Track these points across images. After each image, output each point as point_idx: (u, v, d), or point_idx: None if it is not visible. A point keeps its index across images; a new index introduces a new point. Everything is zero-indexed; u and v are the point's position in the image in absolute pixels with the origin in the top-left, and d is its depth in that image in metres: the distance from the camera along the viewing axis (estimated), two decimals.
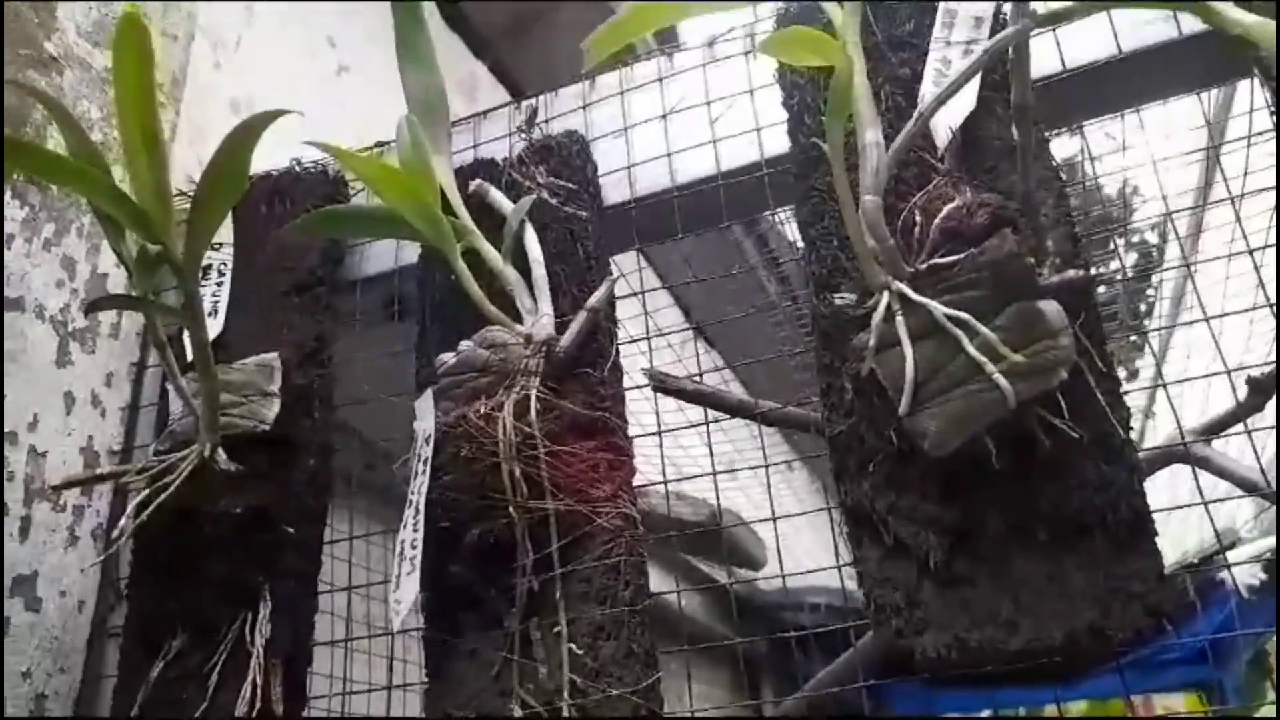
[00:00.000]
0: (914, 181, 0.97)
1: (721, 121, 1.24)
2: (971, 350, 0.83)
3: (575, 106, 1.33)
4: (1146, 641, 0.84)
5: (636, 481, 1.05)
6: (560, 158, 1.20)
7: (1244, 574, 4.82)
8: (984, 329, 0.82)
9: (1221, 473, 1.19)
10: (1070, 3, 0.86)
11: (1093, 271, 0.92)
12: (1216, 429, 1.24)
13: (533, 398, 0.98)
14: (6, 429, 1.22)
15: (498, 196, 1.17)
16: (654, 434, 1.15)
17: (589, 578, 0.95)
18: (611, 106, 1.32)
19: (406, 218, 1.04)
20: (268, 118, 1.04)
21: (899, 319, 0.86)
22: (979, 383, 0.83)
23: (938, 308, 0.84)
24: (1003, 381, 0.82)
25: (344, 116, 2.43)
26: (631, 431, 1.08)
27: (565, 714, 0.90)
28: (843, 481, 0.93)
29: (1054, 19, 0.87)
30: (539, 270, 1.09)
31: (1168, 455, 1.27)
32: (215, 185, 1.03)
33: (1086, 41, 1.06)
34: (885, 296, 0.87)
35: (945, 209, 0.88)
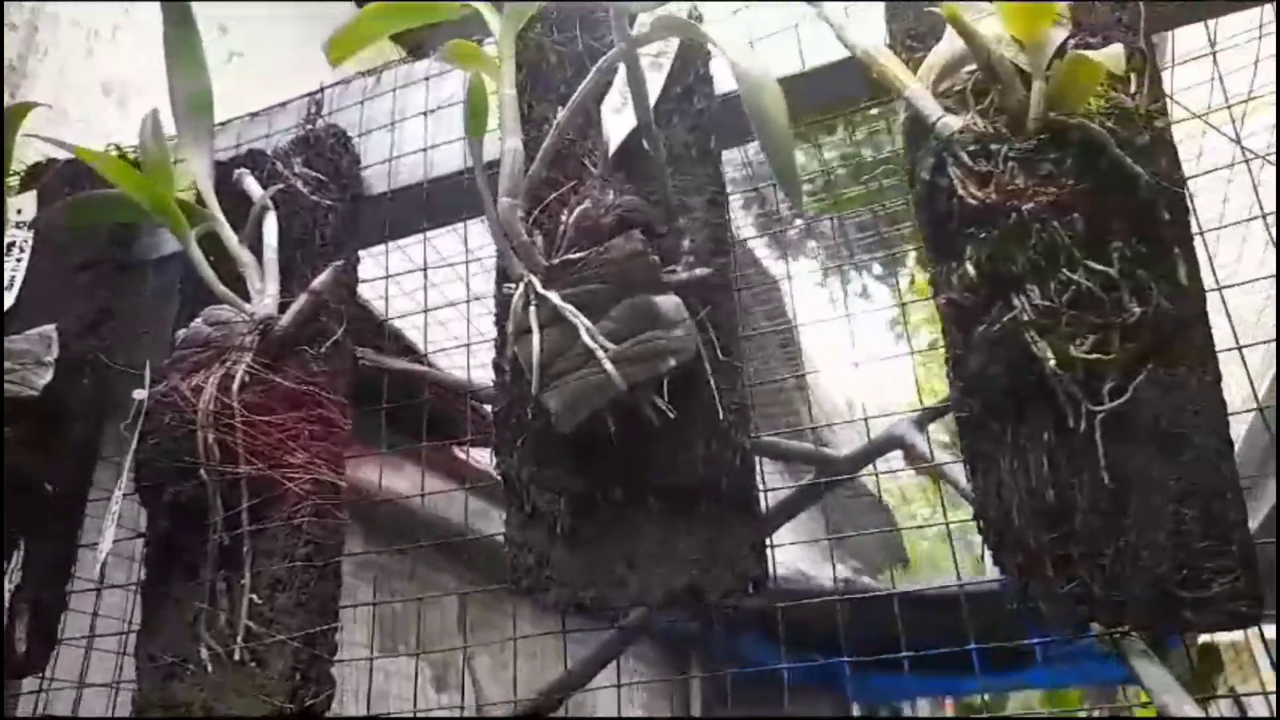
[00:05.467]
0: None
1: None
2: (585, 338, 0.92)
3: (356, 100, 1.42)
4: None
5: None
6: (316, 150, 1.29)
7: None
8: (584, 320, 0.91)
9: (927, 461, 1.29)
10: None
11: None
12: (932, 418, 1.33)
13: (239, 372, 1.08)
14: None
15: (250, 185, 1.26)
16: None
17: (275, 535, 1.05)
18: (390, 101, 1.41)
19: (143, 206, 1.13)
20: (22, 110, 1.13)
21: (532, 308, 0.96)
22: (591, 367, 0.92)
23: (555, 299, 0.93)
24: (609, 366, 0.91)
25: (235, 101, 2.52)
26: None
27: (237, 656, 1.00)
28: (500, 454, 1.03)
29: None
30: (270, 254, 1.18)
31: (886, 442, 1.37)
32: None
33: (775, 56, 1.15)
34: (521, 287, 0.97)
35: (577, 210, 0.97)
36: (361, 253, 1.40)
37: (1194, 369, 0.80)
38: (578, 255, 0.96)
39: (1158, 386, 0.79)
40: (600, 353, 0.92)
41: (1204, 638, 5.56)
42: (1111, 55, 0.74)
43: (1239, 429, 3.44)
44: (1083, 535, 0.81)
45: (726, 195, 1.06)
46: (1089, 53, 0.74)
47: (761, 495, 0.98)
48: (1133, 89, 0.85)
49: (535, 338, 0.95)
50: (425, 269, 1.28)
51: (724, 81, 1.15)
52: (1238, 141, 1.08)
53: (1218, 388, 0.81)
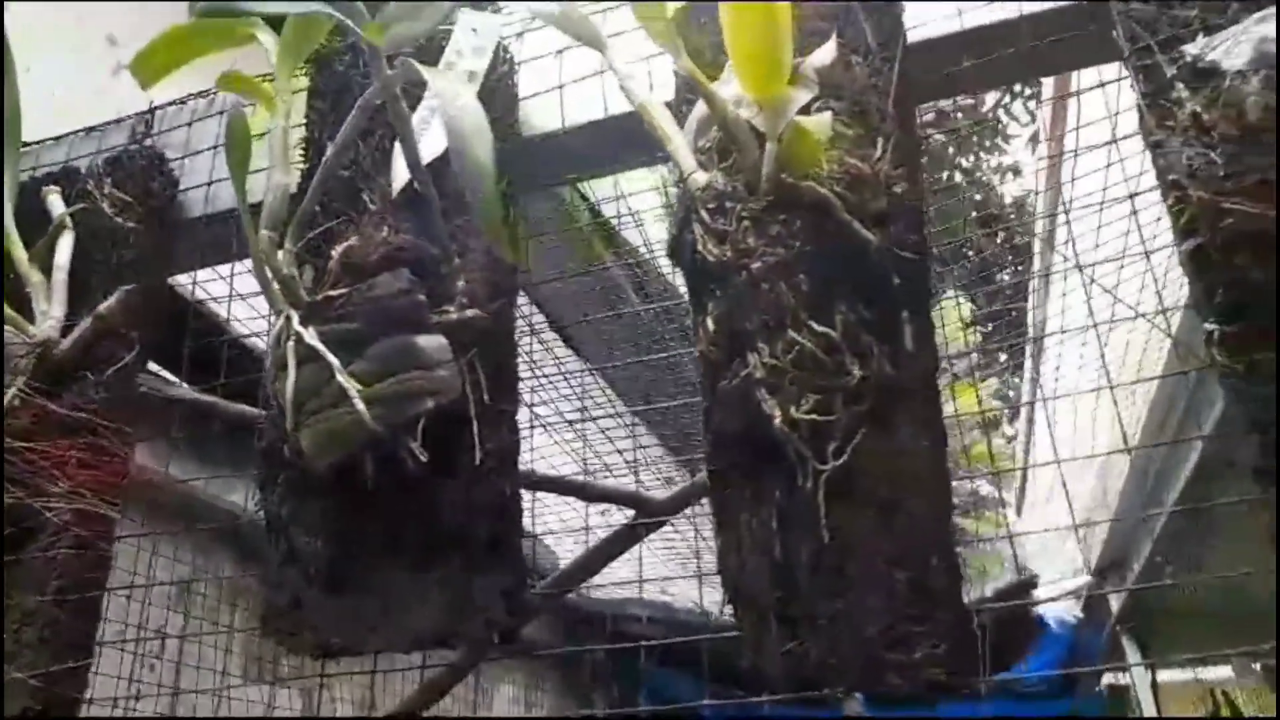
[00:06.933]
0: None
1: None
2: (339, 377, 0.91)
3: (185, 122, 1.40)
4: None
5: None
6: (125, 171, 1.27)
7: (1057, 610, 5.00)
8: (334, 359, 0.90)
9: None
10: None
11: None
12: None
13: (4, 397, 1.04)
14: None
15: (54, 203, 1.23)
16: None
17: (29, 568, 1.02)
18: (217, 124, 1.39)
19: None
20: None
21: (290, 344, 0.94)
22: (345, 406, 0.91)
23: (309, 336, 0.92)
24: (360, 405, 0.90)
25: (122, 113, 2.48)
26: None
27: None
28: (263, 491, 1.01)
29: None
30: (60, 275, 1.15)
31: (703, 486, 1.37)
32: None
33: (585, 105, 1.15)
34: (280, 322, 0.95)
35: (343, 246, 0.96)
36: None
37: (916, 434, 0.81)
38: (339, 292, 0.94)
39: (877, 450, 0.80)
40: (352, 392, 0.90)
41: (1108, 679, 5.65)
42: (819, 124, 0.74)
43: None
44: (805, 595, 0.81)
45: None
46: (803, 119, 0.75)
47: (524, 541, 0.97)
48: (876, 154, 0.86)
49: (290, 374, 0.93)
50: (230, 297, 1.26)
51: (539, 122, 1.16)
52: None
53: (939, 454, 0.81)
